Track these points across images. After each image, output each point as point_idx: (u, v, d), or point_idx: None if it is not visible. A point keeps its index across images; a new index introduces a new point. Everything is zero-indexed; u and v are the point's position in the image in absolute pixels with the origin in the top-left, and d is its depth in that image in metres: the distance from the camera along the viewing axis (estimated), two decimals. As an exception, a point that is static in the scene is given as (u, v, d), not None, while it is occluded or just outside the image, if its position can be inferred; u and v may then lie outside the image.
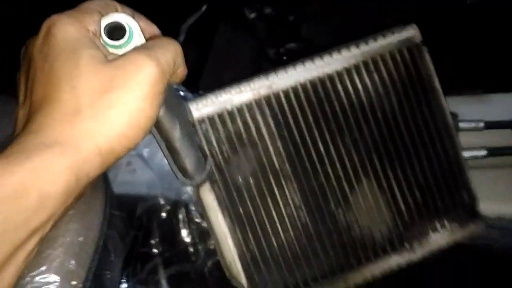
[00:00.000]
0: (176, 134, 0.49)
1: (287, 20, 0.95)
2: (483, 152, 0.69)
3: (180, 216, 0.76)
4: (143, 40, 0.39)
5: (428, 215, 0.64)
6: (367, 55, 0.62)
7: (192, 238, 0.76)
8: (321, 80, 0.61)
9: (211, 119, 0.59)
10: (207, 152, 0.59)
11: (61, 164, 0.31)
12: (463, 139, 0.66)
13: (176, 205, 0.77)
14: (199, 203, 0.61)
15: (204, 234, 0.76)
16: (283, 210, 0.61)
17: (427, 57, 0.64)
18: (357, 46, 0.62)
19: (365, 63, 0.62)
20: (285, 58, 0.94)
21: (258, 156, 0.61)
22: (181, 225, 0.76)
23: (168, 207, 0.77)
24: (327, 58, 0.62)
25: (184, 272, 0.74)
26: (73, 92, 0.33)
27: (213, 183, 0.60)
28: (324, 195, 0.62)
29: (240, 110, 0.60)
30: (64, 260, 0.50)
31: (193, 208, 0.76)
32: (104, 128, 0.33)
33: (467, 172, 0.65)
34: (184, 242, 0.76)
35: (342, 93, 0.62)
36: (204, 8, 0.95)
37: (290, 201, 0.61)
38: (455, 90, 0.70)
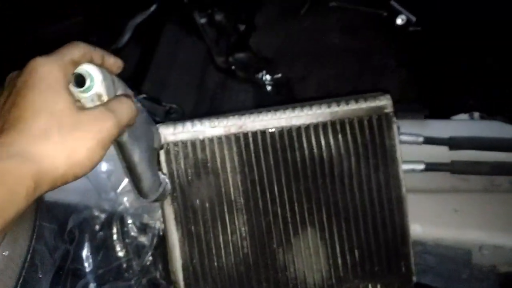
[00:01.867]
0: (135, 158, 0.57)
1: (237, 29, 0.95)
2: (421, 166, 0.72)
3: (115, 230, 0.73)
4: (103, 88, 0.48)
5: (362, 276, 0.68)
6: (336, 116, 0.67)
7: (127, 253, 0.73)
8: (288, 130, 0.67)
9: (183, 144, 0.68)
10: (175, 171, 0.68)
11: (24, 170, 0.39)
12: (403, 152, 0.69)
13: (111, 217, 0.74)
14: (162, 213, 0.70)
15: (139, 249, 0.73)
16: (229, 237, 0.68)
17: (395, 128, 0.67)
18: (328, 106, 0.67)
19: (333, 123, 0.67)
20: (233, 67, 0.94)
21: (218, 185, 0.68)
22: (115, 238, 0.73)
23: (102, 219, 0.73)
24: (297, 111, 0.67)
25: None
26: (48, 119, 0.42)
27: (174, 199, 0.68)
28: (269, 233, 0.68)
29: (210, 141, 0.68)
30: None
31: (129, 221, 0.74)
32: (65, 155, 0.41)
33: (409, 245, 0.67)
34: (118, 258, 0.72)
35: (305, 145, 0.67)
36: (153, 7, 0.92)
37: (237, 231, 0.68)
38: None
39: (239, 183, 0.68)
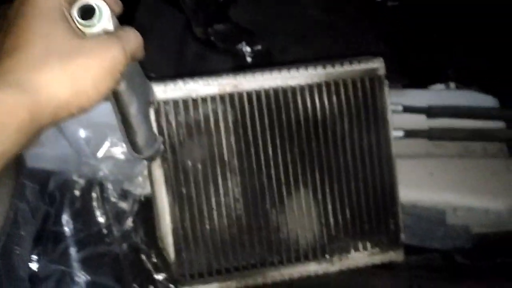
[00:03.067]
0: (132, 109, 0.54)
1: (216, 0, 0.93)
2: (400, 133, 0.76)
3: (94, 195, 0.72)
4: (111, 25, 0.44)
5: (353, 234, 0.69)
6: (331, 77, 0.67)
7: (107, 219, 0.72)
8: (284, 90, 0.66)
9: (175, 103, 0.65)
10: (165, 132, 0.64)
11: (18, 101, 0.35)
12: None
13: (90, 183, 0.72)
14: (149, 176, 0.67)
15: (119, 215, 0.72)
16: (222, 199, 0.67)
17: (386, 91, 0.68)
18: (324, 67, 0.67)
19: (327, 84, 0.67)
20: (212, 38, 0.91)
21: (211, 145, 0.66)
22: (95, 204, 0.72)
23: (82, 184, 0.72)
24: (293, 72, 0.66)
25: (98, 254, 0.70)
26: (46, 45, 0.37)
27: (164, 160, 0.65)
28: (262, 194, 0.67)
29: (204, 100, 0.65)
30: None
31: (109, 186, 0.72)
32: (68, 82, 0.37)
33: (398, 204, 0.70)
34: (98, 223, 0.72)
35: (300, 106, 0.67)
36: (132, -24, 0.85)
37: (230, 192, 0.67)
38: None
39: (233, 144, 0.66)
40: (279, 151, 0.67)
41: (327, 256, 0.69)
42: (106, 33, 0.42)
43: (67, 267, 0.68)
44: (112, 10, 0.45)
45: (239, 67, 0.89)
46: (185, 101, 0.65)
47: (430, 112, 0.80)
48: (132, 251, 0.72)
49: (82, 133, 0.72)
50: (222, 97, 0.65)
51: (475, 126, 0.80)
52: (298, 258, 0.69)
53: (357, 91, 0.68)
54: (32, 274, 0.67)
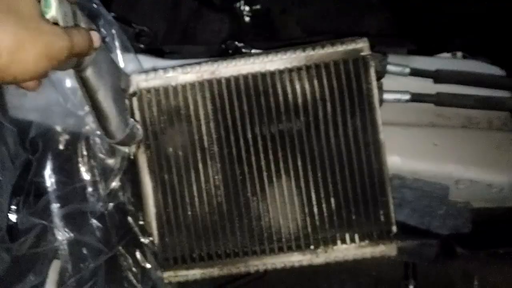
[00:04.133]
0: (99, 95, 0.57)
1: None
2: (406, 96, 0.70)
3: (80, 150, 0.67)
4: (59, 17, 0.47)
5: (339, 225, 0.65)
6: (311, 60, 0.64)
7: (93, 176, 0.67)
8: (262, 75, 0.65)
9: (156, 90, 0.67)
10: (148, 119, 0.67)
11: None
12: (389, 82, 0.69)
13: (76, 137, 0.67)
14: (135, 162, 0.69)
15: (106, 172, 0.68)
16: (203, 185, 0.67)
17: (372, 72, 0.64)
18: (303, 50, 0.65)
19: (308, 68, 0.65)
20: None
21: (191, 132, 0.67)
22: (80, 159, 0.67)
23: (66, 137, 0.67)
24: (272, 56, 0.65)
25: (82, 212, 0.67)
26: (9, 4, 0.39)
27: (147, 147, 0.67)
28: (243, 181, 0.66)
29: (183, 88, 0.66)
30: None
31: (97, 141, 0.67)
32: (12, 45, 0.38)
33: (389, 193, 0.65)
34: (83, 179, 0.67)
35: (279, 91, 0.65)
36: None
37: (211, 179, 0.67)
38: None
39: (213, 131, 0.66)
40: (259, 137, 0.66)
41: (312, 247, 0.66)
42: (63, 26, 0.46)
43: (48, 222, 0.65)
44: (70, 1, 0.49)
45: (236, 27, 0.86)
46: (165, 89, 0.66)
47: (438, 76, 0.74)
48: (118, 211, 0.69)
49: (68, 83, 0.68)
50: (200, 84, 0.66)
51: (482, 95, 0.73)
52: (281, 248, 0.67)
53: (340, 74, 0.64)
54: (11, 225, 0.66)
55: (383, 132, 0.64)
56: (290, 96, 0.65)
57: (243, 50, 0.77)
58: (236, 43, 0.76)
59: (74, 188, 0.67)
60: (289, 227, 0.66)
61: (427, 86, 0.74)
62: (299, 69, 0.65)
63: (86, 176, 0.69)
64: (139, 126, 0.65)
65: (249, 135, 0.66)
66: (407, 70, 0.72)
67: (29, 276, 0.67)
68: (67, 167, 0.68)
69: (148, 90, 0.67)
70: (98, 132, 0.67)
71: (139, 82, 0.66)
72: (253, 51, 0.75)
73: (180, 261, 0.68)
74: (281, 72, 0.65)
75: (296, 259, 0.66)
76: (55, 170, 0.67)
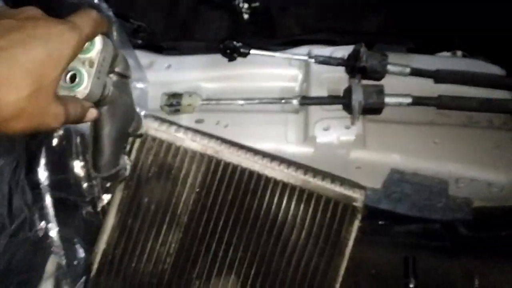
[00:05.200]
0: (104, 131, 0.59)
1: None
2: (408, 100, 0.69)
3: (74, 146, 0.67)
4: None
5: None
6: (307, 186, 0.66)
7: (87, 172, 0.68)
8: (258, 177, 0.67)
9: (160, 142, 0.68)
10: (140, 164, 0.68)
11: None
12: (390, 83, 0.69)
13: (70, 132, 0.68)
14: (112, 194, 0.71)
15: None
16: (158, 246, 0.68)
17: (355, 224, 0.65)
18: (304, 173, 0.66)
19: (301, 191, 0.66)
20: None
21: (171, 194, 0.68)
22: (74, 156, 0.67)
23: (60, 132, 0.67)
24: (274, 164, 0.67)
25: (75, 207, 0.68)
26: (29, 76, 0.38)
27: (126, 187, 0.69)
28: (194, 261, 0.67)
29: (185, 151, 0.68)
30: None
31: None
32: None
33: None
34: (77, 177, 0.68)
35: (266, 198, 0.66)
36: None
37: (167, 244, 0.67)
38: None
39: (191, 201, 0.68)
40: (228, 229, 0.67)
41: None
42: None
43: (41, 215, 0.66)
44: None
45: (235, 25, 0.85)
46: (168, 145, 0.68)
47: (438, 76, 0.74)
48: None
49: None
50: (202, 156, 0.68)
51: (482, 95, 0.73)
52: None
53: (326, 211, 0.65)
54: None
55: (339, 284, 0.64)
56: (273, 207, 0.66)
57: (241, 50, 0.77)
58: (235, 43, 0.76)
59: (68, 183, 0.67)
60: (215, 325, 0.66)
61: (427, 85, 0.74)
62: (293, 187, 0.66)
63: (80, 172, 0.69)
64: (128, 167, 0.67)
65: (220, 223, 0.67)
66: (408, 70, 0.72)
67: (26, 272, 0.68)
68: (61, 162, 0.67)
69: (154, 139, 0.69)
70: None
71: (150, 128, 0.68)
72: (253, 52, 0.75)
73: (103, 304, 0.68)
74: (276, 182, 0.66)
75: None
76: (49, 165, 0.67)
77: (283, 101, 0.74)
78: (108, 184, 0.73)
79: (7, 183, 0.64)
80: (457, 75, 0.75)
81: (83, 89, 0.47)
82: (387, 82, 0.72)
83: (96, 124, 0.58)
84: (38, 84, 0.38)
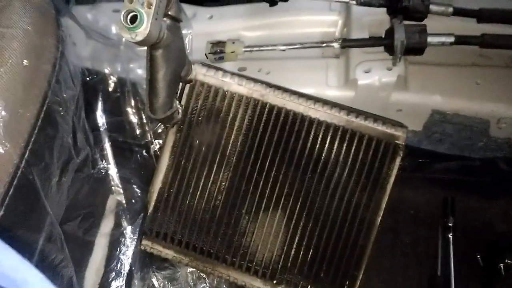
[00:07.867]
0: (159, 74, 0.63)
1: None
2: (451, 39, 0.70)
3: (127, 93, 0.73)
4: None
5: (306, 276, 0.70)
6: (350, 125, 0.68)
7: (140, 119, 0.74)
8: (302, 118, 0.70)
9: (209, 87, 0.72)
10: (190, 107, 0.73)
11: None
12: (431, 24, 0.69)
13: (124, 80, 0.73)
14: (164, 137, 0.75)
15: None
16: (209, 184, 0.73)
17: (397, 161, 0.67)
18: (347, 113, 0.69)
19: (344, 130, 0.69)
20: None
21: (220, 136, 0.72)
22: (128, 103, 0.74)
23: (114, 79, 0.73)
24: (318, 105, 0.69)
25: (130, 150, 0.74)
26: None
27: (179, 130, 0.73)
28: (243, 197, 0.72)
29: (232, 96, 0.72)
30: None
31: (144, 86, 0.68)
32: None
33: (361, 270, 0.69)
34: (131, 122, 0.74)
35: (310, 138, 0.70)
36: None
37: (218, 183, 0.72)
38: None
39: (238, 143, 0.72)
40: (274, 168, 0.71)
41: (274, 282, 0.71)
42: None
43: (101, 156, 0.73)
44: None
45: None
46: (216, 90, 0.72)
47: (481, 15, 0.73)
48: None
49: (114, 29, 0.73)
50: (248, 99, 0.71)
51: None
52: (248, 269, 0.72)
53: (369, 149, 0.68)
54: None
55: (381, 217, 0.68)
56: (317, 146, 0.69)
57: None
58: None
59: (123, 127, 0.74)
60: (264, 255, 0.72)
61: (470, 27, 0.72)
62: (336, 127, 0.69)
63: (133, 119, 0.76)
64: (180, 111, 0.71)
65: (267, 163, 0.71)
66: (450, 9, 0.71)
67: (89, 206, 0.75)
68: (116, 108, 0.74)
69: (203, 84, 0.72)
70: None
71: (199, 73, 0.72)
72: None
73: (161, 237, 0.74)
74: (320, 123, 0.69)
75: (256, 284, 0.72)
76: (106, 110, 0.74)
77: (324, 44, 0.75)
78: (159, 130, 0.79)
79: (71, 117, 0.68)
80: (501, 13, 0.73)
81: (143, 29, 0.51)
82: (429, 24, 0.71)
83: (152, 67, 0.62)
84: None
